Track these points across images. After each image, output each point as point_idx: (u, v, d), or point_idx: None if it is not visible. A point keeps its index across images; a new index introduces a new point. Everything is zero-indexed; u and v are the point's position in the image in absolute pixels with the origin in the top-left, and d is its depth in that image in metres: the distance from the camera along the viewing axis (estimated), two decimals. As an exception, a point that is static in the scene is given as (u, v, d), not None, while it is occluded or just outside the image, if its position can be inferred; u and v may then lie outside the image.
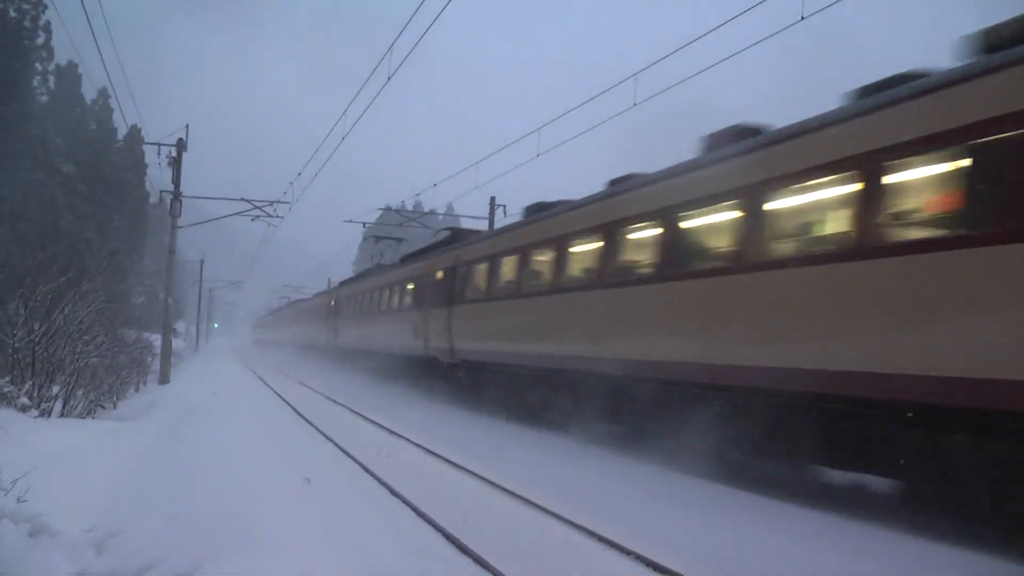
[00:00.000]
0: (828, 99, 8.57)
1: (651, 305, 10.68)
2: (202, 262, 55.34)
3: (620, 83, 13.74)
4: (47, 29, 37.17)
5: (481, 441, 12.28)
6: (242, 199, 26.65)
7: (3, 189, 30.45)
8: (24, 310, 11.54)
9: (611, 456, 10.92)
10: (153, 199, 45.23)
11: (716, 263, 9.62)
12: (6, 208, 30.15)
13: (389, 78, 13.91)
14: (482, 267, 16.75)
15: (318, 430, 13.32)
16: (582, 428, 12.20)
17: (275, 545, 5.48)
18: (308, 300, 50.92)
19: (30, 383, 11.39)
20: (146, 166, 41.56)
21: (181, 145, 23.77)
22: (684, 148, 10.79)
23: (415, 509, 7.45)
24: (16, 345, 11.39)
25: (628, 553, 6.04)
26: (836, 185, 7.92)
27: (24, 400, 10.85)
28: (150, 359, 24.04)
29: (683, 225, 10.29)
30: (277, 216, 27.05)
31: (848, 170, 7.60)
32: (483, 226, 27.66)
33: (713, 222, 9.82)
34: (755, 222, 8.78)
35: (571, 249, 13.00)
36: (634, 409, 11.09)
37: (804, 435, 8.09)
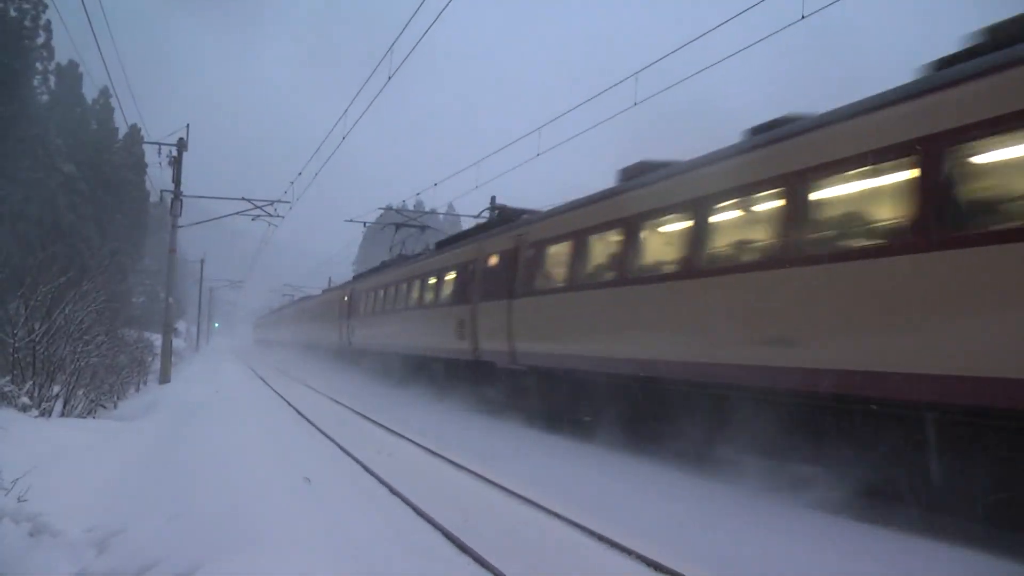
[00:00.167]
0: (828, 99, 8.62)
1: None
2: (203, 261, 55.43)
3: (621, 82, 13.70)
4: (47, 28, 37.29)
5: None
6: (243, 198, 26.61)
7: (3, 189, 30.50)
8: (24, 310, 11.56)
9: (611, 456, 10.91)
10: (153, 198, 45.25)
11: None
12: (6, 208, 30.20)
13: (390, 78, 13.93)
14: (562, 247, 12.94)
15: (319, 430, 13.31)
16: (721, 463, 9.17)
17: (275, 545, 5.48)
18: (315, 297, 46.64)
19: (31, 383, 11.41)
20: (146, 165, 41.84)
21: (181, 144, 23.77)
22: (684, 147, 10.70)
23: (415, 508, 7.44)
24: (17, 345, 11.41)
25: (628, 553, 6.04)
26: None
27: (25, 400, 10.88)
28: (150, 359, 24.05)
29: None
30: (278, 216, 27.08)
31: None
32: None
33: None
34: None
35: (716, 217, 9.37)
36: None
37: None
